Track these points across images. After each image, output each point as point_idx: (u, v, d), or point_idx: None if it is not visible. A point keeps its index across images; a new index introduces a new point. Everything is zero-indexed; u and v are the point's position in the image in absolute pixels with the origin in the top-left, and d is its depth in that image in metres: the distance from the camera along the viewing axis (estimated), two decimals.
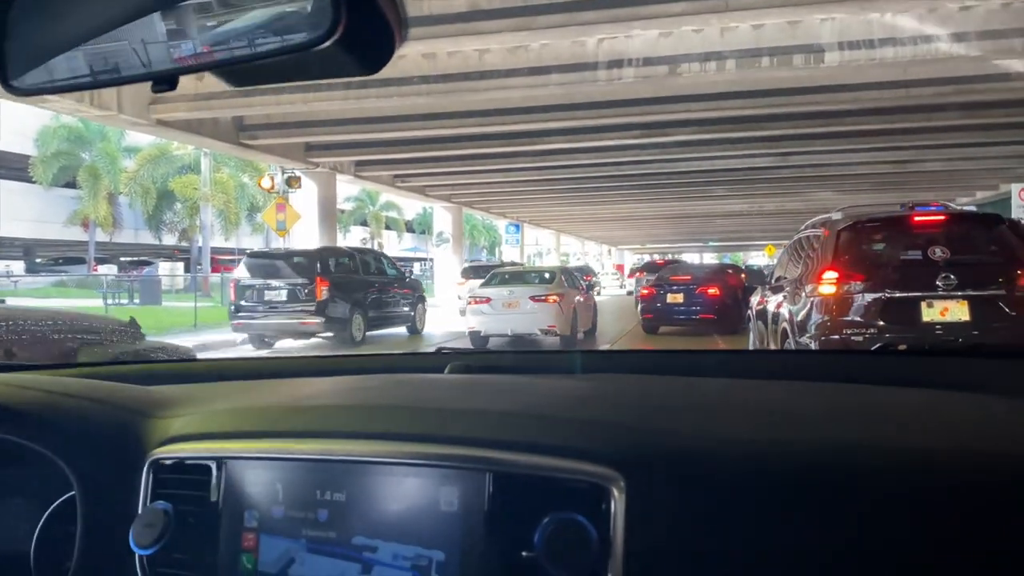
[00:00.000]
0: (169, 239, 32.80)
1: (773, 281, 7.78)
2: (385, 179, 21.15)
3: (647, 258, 76.35)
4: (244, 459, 0.94)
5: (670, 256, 74.01)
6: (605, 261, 58.42)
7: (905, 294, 5.64)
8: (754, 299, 8.73)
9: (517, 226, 32.44)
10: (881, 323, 5.60)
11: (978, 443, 0.83)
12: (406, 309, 14.79)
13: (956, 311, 5.53)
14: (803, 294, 6.21)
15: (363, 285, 12.86)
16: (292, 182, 16.61)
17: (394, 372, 1.40)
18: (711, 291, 13.94)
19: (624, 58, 10.76)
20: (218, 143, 15.45)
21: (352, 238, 41.90)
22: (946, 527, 0.72)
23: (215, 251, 40.72)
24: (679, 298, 13.99)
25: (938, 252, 5.66)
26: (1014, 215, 16.82)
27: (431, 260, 32.89)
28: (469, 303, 12.47)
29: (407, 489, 0.86)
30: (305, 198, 17.92)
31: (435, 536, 0.84)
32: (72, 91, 0.79)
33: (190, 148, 25.51)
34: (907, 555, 0.72)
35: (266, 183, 16.83)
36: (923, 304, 5.57)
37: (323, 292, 10.94)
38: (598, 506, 0.79)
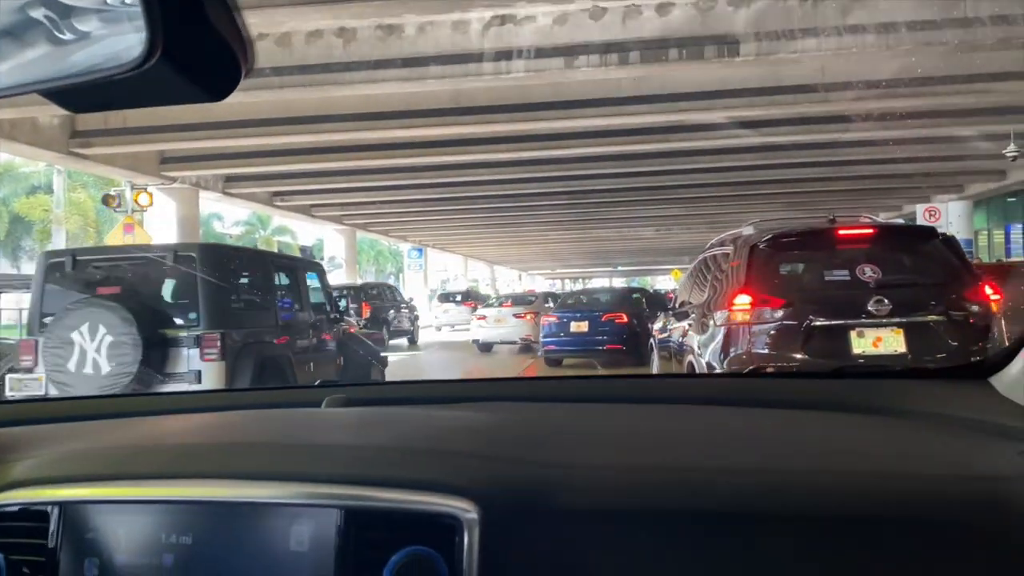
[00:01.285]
0: (30, 267, 29.29)
1: (677, 306, 6.82)
2: (261, 197, 18.74)
3: (556, 284, 77.04)
4: (85, 504, 0.90)
5: (581, 281, 75.26)
6: (516, 287, 57.24)
7: (832, 321, 4.78)
8: (656, 326, 7.79)
9: (420, 250, 30.49)
10: (804, 356, 4.72)
11: (829, 463, 0.85)
12: (407, 324, 19.51)
13: (891, 341, 4.71)
14: (711, 322, 5.29)
15: (384, 308, 17.16)
16: (141, 197, 14.21)
17: (271, 407, 1.33)
18: (619, 319, 12.47)
19: (513, 48, 9.13)
20: (41, 151, 12.84)
21: None
22: (796, 546, 0.73)
23: None
24: (583, 327, 12.52)
25: (868, 272, 4.86)
26: None
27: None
28: (476, 318, 16.93)
29: (256, 530, 0.84)
30: (164, 218, 15.52)
31: None
32: None
33: (41, 165, 22.55)
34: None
35: (110, 200, 14.33)
36: (853, 333, 4.74)
37: (367, 312, 14.06)
38: (451, 539, 0.78)
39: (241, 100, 11.01)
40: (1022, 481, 0.80)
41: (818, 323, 4.77)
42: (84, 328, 5.27)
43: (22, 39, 0.59)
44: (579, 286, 69.10)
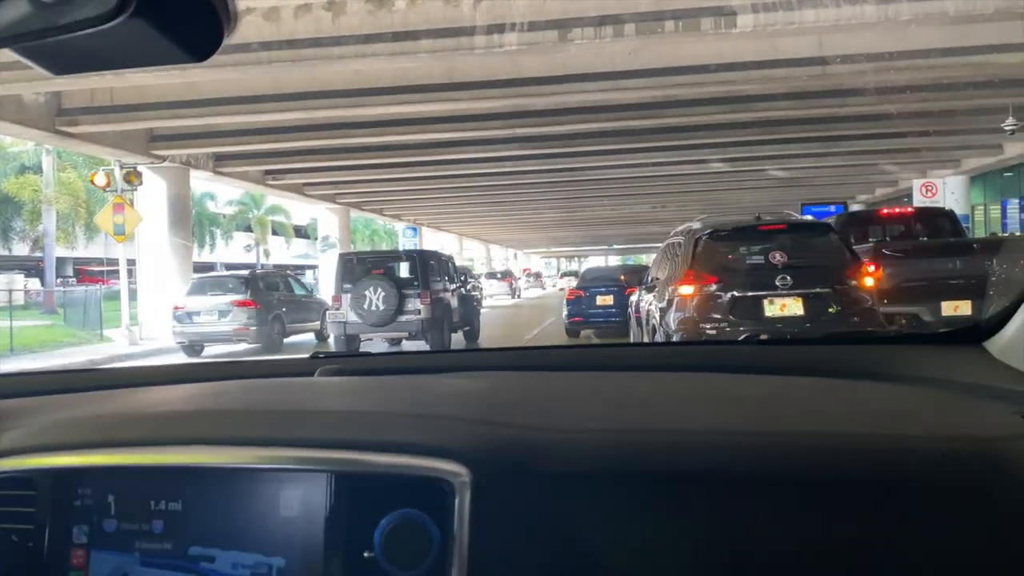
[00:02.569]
0: (22, 248, 29.07)
1: (648, 281, 8.43)
2: (253, 176, 18.45)
3: (554, 262, 77.60)
4: (73, 472, 0.89)
5: (577, 260, 75.59)
6: (512, 265, 57.09)
7: (751, 293, 6.45)
8: (634, 298, 9.52)
9: (415, 229, 30.29)
10: (732, 318, 6.40)
11: (818, 426, 0.85)
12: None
13: (792, 307, 6.37)
14: (668, 294, 6.99)
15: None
16: (131, 177, 14.00)
17: (264, 377, 1.35)
18: None
19: (506, 22, 8.94)
20: (27, 130, 12.60)
21: (235, 245, 38.83)
22: (798, 510, 0.74)
23: (81, 261, 36.85)
24: (608, 300, 13.03)
25: (778, 256, 6.55)
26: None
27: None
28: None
29: (246, 495, 0.83)
30: (154, 197, 15.33)
31: (275, 542, 0.82)
32: None
33: (30, 144, 22.21)
34: (763, 541, 0.73)
35: (100, 179, 14.12)
36: (765, 301, 6.39)
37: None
38: (442, 503, 0.78)
39: (230, 76, 10.83)
40: (1017, 442, 0.80)
41: (742, 294, 6.47)
42: (370, 289, 10.93)
43: None
44: (575, 265, 69.65)
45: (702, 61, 10.69)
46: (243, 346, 13.30)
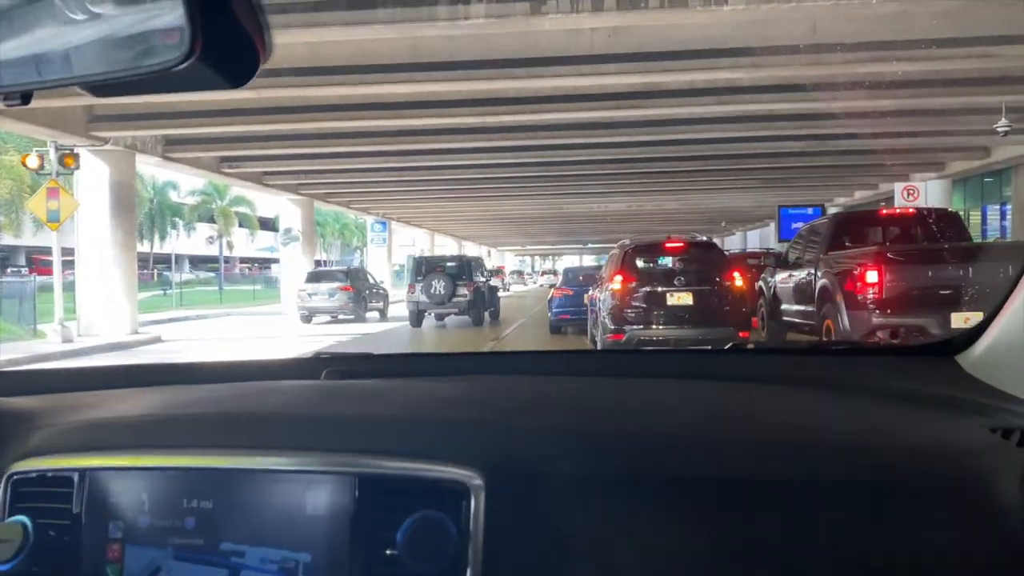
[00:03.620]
0: None
1: (599, 282, 10.74)
2: (207, 163, 17.35)
3: (528, 260, 77.38)
4: (107, 471, 0.94)
5: (551, 258, 75.51)
6: (487, 263, 56.12)
7: (657, 289, 9.14)
8: (587, 294, 11.78)
9: (384, 224, 29.24)
10: (644, 306, 9.11)
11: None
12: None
13: (684, 299, 9.08)
14: (605, 289, 9.60)
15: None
16: (67, 160, 12.85)
17: (270, 379, 1.38)
18: None
19: None
20: None
21: (197, 236, 37.53)
22: (776, 511, 0.79)
23: (36, 250, 35.24)
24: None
25: (677, 264, 9.46)
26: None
27: None
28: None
29: (274, 495, 0.88)
30: (95, 183, 14.17)
31: (302, 539, 0.86)
32: None
33: None
34: (771, 546, 0.78)
35: (32, 161, 12.94)
36: (667, 295, 9.09)
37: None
38: (459, 504, 0.83)
39: None
40: (987, 454, 0.86)
41: (652, 289, 9.16)
42: (434, 280, 16.02)
43: (70, 34, 0.61)
44: (549, 263, 69.63)
45: (688, 46, 9.86)
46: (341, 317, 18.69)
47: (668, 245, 9.81)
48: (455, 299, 16.18)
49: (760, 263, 13.14)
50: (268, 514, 0.88)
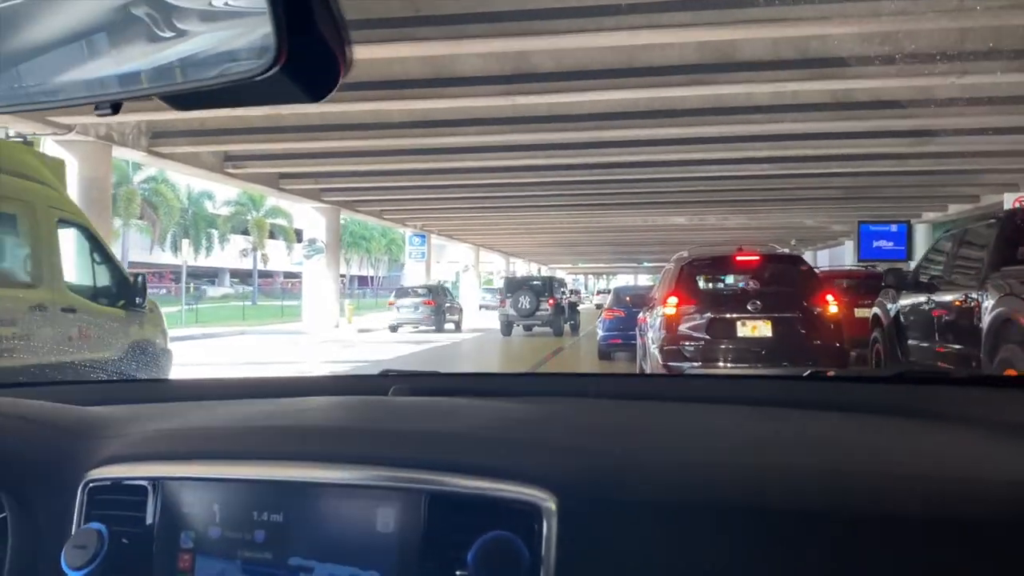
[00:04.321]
0: None
1: (651, 303, 8.84)
2: (207, 161, 15.31)
3: (581, 279, 75.82)
4: (180, 480, 0.96)
5: (605, 277, 73.69)
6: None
7: (725, 315, 7.16)
8: (640, 314, 9.71)
9: (423, 237, 27.63)
10: (707, 337, 7.16)
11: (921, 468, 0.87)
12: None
13: (761, 329, 7.09)
14: (656, 313, 7.74)
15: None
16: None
17: (337, 395, 1.43)
18: None
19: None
20: None
21: (231, 248, 36.55)
22: (861, 546, 0.76)
23: None
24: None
25: (751, 284, 7.52)
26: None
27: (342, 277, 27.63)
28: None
29: (344, 510, 0.89)
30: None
31: (371, 556, 0.87)
32: (9, 112, 0.87)
33: None
34: None
35: None
36: (738, 323, 7.12)
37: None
38: (531, 526, 0.82)
39: None
40: None
41: (717, 316, 7.20)
42: (521, 296, 19.85)
43: (157, 47, 0.63)
44: (603, 283, 67.98)
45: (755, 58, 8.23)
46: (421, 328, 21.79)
47: (739, 259, 7.76)
48: (539, 313, 19.32)
49: (850, 284, 10.88)
50: (338, 529, 0.88)
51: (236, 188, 27.12)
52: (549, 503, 0.82)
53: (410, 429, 1.00)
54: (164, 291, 34.18)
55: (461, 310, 24.06)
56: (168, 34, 0.62)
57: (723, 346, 7.05)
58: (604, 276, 73.97)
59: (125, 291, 6.49)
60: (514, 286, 20.14)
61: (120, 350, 6.31)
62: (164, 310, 23.96)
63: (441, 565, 0.83)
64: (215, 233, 35.58)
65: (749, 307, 7.01)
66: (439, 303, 22.07)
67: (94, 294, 6.24)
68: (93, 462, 1.01)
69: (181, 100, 0.68)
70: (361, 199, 21.25)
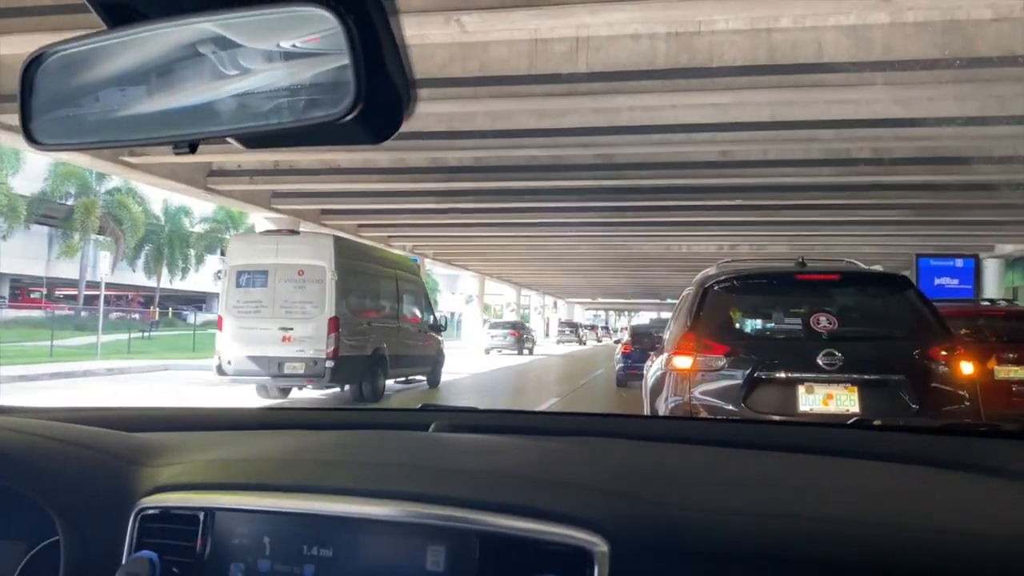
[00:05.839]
0: None
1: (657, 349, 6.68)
2: (184, 174, 13.34)
3: (602, 315, 73.51)
4: (231, 511, 0.98)
5: (627, 313, 71.48)
6: (551, 316, 51.86)
7: (779, 374, 4.51)
8: (647, 363, 7.30)
9: (415, 260, 24.86)
10: (745, 408, 4.44)
11: (990, 526, 0.88)
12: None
13: (843, 399, 4.37)
14: (662, 364, 5.29)
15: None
16: None
17: (378, 428, 1.46)
18: None
19: None
20: None
21: (206, 271, 33.86)
22: None
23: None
24: None
25: (823, 322, 4.57)
26: None
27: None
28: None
29: (394, 547, 0.91)
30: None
31: None
32: (93, 149, 0.81)
33: None
34: None
35: None
36: (801, 388, 4.43)
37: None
38: (582, 570, 0.83)
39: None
40: None
41: (765, 375, 4.53)
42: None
43: (236, 85, 0.66)
44: (625, 319, 66.22)
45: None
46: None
47: (802, 278, 4.87)
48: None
49: (982, 327, 7.05)
50: (387, 567, 0.89)
51: (215, 204, 24.73)
52: (601, 548, 0.83)
53: (459, 468, 1.01)
54: (115, 315, 30.70)
55: (534, 339, 33.10)
56: (247, 79, 0.65)
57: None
58: (626, 313, 72.15)
59: (436, 324, 14.40)
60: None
61: (435, 350, 14.10)
62: (106, 338, 20.98)
63: None
64: (192, 253, 33.10)
65: (821, 361, 4.35)
66: (520, 334, 30.47)
67: (430, 326, 14.08)
68: (145, 490, 1.04)
69: (252, 141, 0.72)
70: (365, 223, 19.45)
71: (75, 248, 28.44)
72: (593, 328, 56.37)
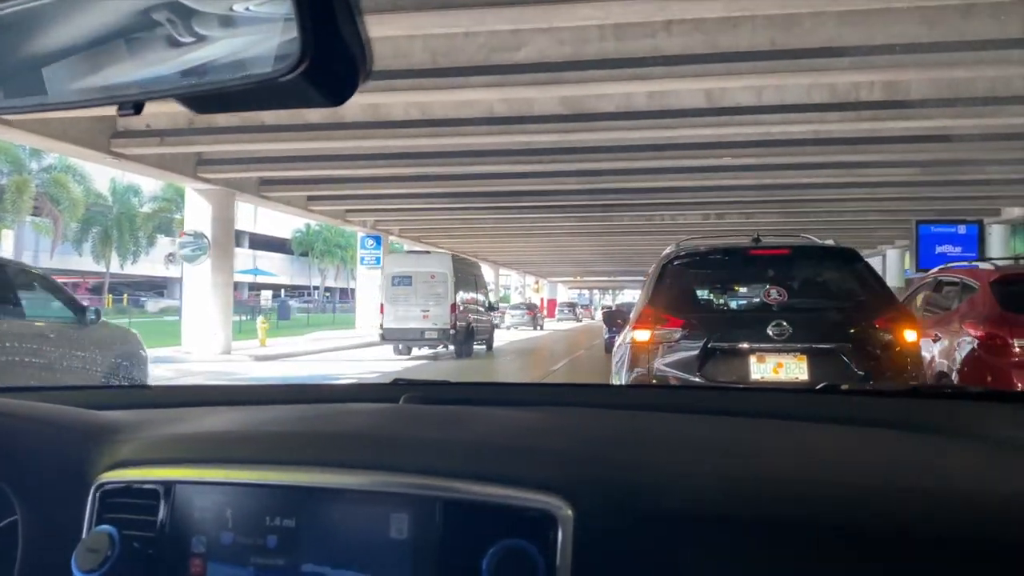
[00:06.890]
0: None
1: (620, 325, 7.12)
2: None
3: (586, 293, 73.01)
4: (192, 484, 0.98)
5: (612, 292, 70.86)
6: (532, 296, 50.84)
7: (732, 344, 4.81)
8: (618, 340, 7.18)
9: (377, 239, 23.27)
10: (701, 379, 4.74)
11: (928, 481, 0.88)
12: None
13: (792, 368, 4.68)
14: (625, 340, 5.53)
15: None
16: None
17: (352, 401, 1.45)
18: None
19: None
20: None
21: (157, 253, 32.04)
22: (885, 563, 0.77)
23: None
24: None
25: (774, 294, 4.89)
26: None
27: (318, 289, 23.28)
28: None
29: (358, 516, 0.91)
30: None
31: (385, 563, 0.88)
32: (34, 112, 0.80)
33: None
34: None
35: None
36: (752, 357, 4.75)
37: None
38: (546, 534, 0.84)
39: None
40: None
41: (716, 344, 4.81)
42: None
43: (178, 45, 0.64)
44: (609, 298, 65.77)
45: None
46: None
47: (755, 253, 5.21)
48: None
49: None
50: (351, 536, 0.89)
51: (159, 182, 22.97)
52: (565, 511, 0.84)
53: (424, 436, 1.02)
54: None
55: (544, 317, 40.80)
56: (191, 37, 0.63)
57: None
58: (611, 292, 71.48)
59: (491, 306, 22.10)
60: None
61: (491, 324, 21.70)
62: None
63: (455, 572, 0.85)
64: (142, 235, 31.23)
65: (771, 332, 4.67)
66: (535, 314, 38.33)
67: (487, 307, 21.21)
68: (105, 465, 1.03)
69: (201, 103, 0.70)
70: (315, 194, 17.93)
71: (7, 230, 26.52)
72: (585, 308, 61.41)
